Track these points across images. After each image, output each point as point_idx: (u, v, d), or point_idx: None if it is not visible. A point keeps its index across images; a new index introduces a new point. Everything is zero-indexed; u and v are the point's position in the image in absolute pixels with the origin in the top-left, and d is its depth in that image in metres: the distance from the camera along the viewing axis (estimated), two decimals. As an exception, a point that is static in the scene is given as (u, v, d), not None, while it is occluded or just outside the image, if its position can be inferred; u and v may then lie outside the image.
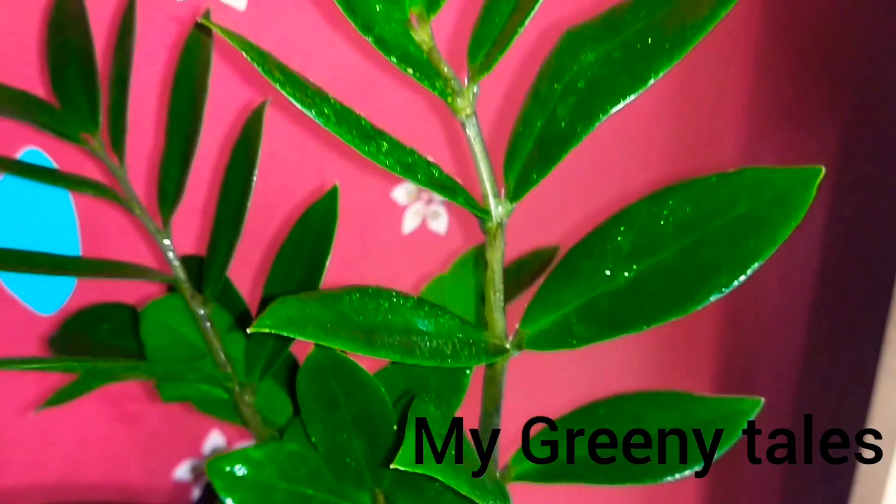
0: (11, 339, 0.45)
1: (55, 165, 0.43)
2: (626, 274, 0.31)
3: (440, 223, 0.58)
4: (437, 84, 0.30)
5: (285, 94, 0.26)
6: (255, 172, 0.36)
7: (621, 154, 0.68)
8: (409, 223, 0.59)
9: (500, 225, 0.32)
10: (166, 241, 0.38)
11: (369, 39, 0.29)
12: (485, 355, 0.31)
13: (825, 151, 0.99)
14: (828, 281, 1.07)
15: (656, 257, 0.31)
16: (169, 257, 0.39)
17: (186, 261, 0.40)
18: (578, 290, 0.32)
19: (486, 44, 0.31)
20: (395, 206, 0.56)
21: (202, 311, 0.39)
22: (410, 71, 0.28)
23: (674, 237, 0.31)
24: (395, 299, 0.30)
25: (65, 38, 0.39)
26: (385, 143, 0.28)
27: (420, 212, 0.57)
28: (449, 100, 0.30)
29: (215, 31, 0.28)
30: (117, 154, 0.38)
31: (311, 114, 0.27)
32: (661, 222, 0.31)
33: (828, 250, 1.07)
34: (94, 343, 0.42)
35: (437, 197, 0.57)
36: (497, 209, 0.32)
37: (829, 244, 1.06)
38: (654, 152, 0.70)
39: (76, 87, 0.39)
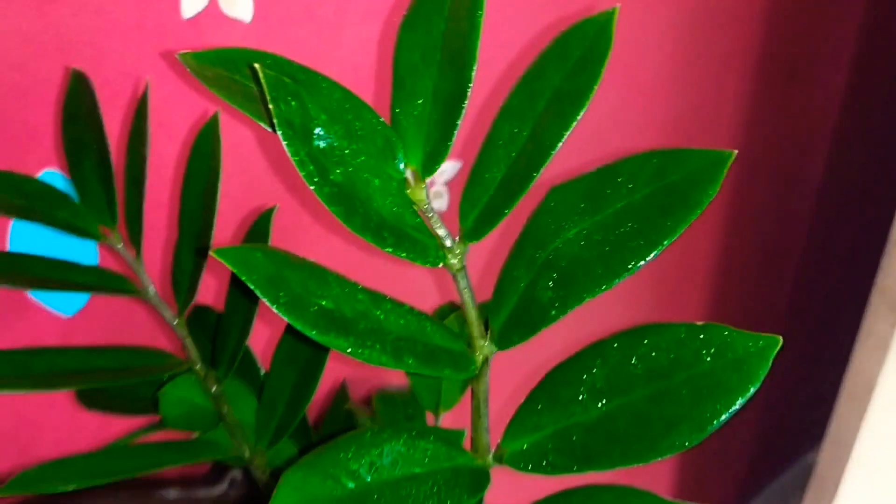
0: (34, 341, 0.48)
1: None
2: (599, 407, 0.35)
3: (441, 202, 0.61)
4: (429, 257, 0.32)
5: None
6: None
7: (627, 114, 0.69)
8: None
9: (485, 362, 0.35)
10: (182, 330, 0.42)
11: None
12: (468, 477, 0.35)
13: (827, 105, 1.00)
14: (821, 226, 1.10)
15: (626, 398, 0.34)
16: (185, 343, 0.42)
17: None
18: (554, 416, 0.36)
19: (477, 206, 0.33)
20: None
21: (214, 389, 0.43)
22: (404, 254, 0.31)
23: (643, 381, 0.34)
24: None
25: (80, 130, 0.41)
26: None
27: None
28: (441, 264, 0.33)
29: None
30: (135, 247, 0.41)
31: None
32: (633, 363, 0.34)
33: (824, 198, 1.09)
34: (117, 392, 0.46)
35: (440, 179, 0.59)
36: (483, 349, 0.35)
37: (825, 192, 1.08)
38: (659, 111, 0.72)
39: (93, 182, 0.41)
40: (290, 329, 0.42)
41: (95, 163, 0.41)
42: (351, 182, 0.31)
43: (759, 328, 0.31)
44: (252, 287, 0.27)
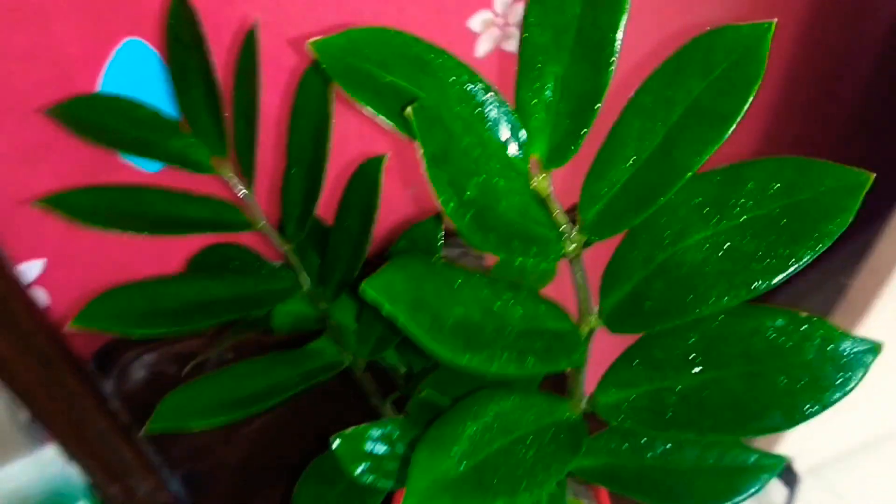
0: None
1: (158, 55, 0.45)
2: (693, 374, 0.37)
3: (513, 44, 0.59)
4: (550, 254, 0.33)
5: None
6: (374, 214, 0.40)
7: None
8: (483, 47, 0.60)
9: (590, 334, 0.37)
10: (293, 257, 0.44)
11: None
12: (567, 433, 0.38)
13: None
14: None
15: (721, 372, 0.36)
16: (295, 267, 0.44)
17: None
18: (648, 375, 0.38)
19: (599, 202, 0.33)
20: (470, 33, 0.56)
21: (322, 306, 0.45)
22: (531, 260, 0.32)
23: (739, 359, 0.36)
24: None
25: (185, 55, 0.41)
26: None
27: (494, 37, 0.58)
28: (560, 247, 0.34)
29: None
30: (246, 178, 0.42)
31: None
32: (730, 341, 0.36)
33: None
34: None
35: (512, 20, 0.57)
36: (591, 323, 0.36)
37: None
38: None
39: (202, 112, 0.41)
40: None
41: (203, 92, 0.41)
42: (483, 192, 0.31)
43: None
44: (398, 320, 0.28)
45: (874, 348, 0.33)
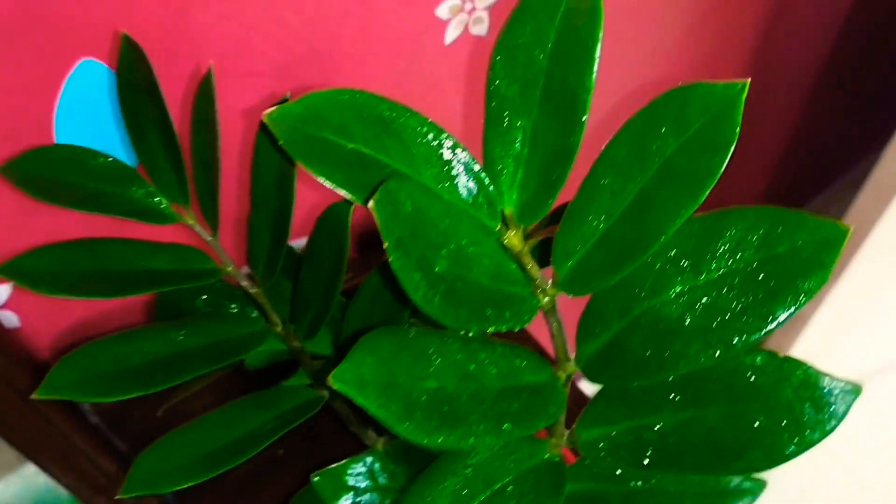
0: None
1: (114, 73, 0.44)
2: (673, 412, 0.36)
3: (482, 27, 0.58)
4: (524, 315, 0.32)
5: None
6: (344, 260, 0.39)
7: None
8: (451, 34, 0.60)
9: (569, 378, 0.36)
10: (263, 299, 0.43)
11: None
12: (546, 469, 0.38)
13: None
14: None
15: (701, 411, 0.36)
16: (266, 309, 0.43)
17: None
18: (628, 412, 0.38)
19: (573, 256, 0.32)
20: (439, 21, 0.56)
21: (295, 344, 0.44)
22: (504, 327, 0.31)
23: (719, 398, 0.35)
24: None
25: (139, 101, 0.39)
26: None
27: (463, 21, 0.57)
28: (535, 303, 0.33)
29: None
30: (210, 225, 0.41)
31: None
32: (709, 382, 0.36)
33: None
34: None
35: (480, 4, 0.56)
36: (569, 369, 0.36)
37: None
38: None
39: (160, 158, 0.40)
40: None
41: (160, 138, 0.39)
42: (454, 262, 0.30)
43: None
44: (369, 410, 0.28)
45: (854, 389, 0.33)
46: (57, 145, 0.40)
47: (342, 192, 0.30)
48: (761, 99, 0.95)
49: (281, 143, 0.30)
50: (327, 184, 0.30)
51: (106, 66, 0.41)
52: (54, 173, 0.39)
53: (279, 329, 0.44)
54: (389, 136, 0.31)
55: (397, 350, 0.30)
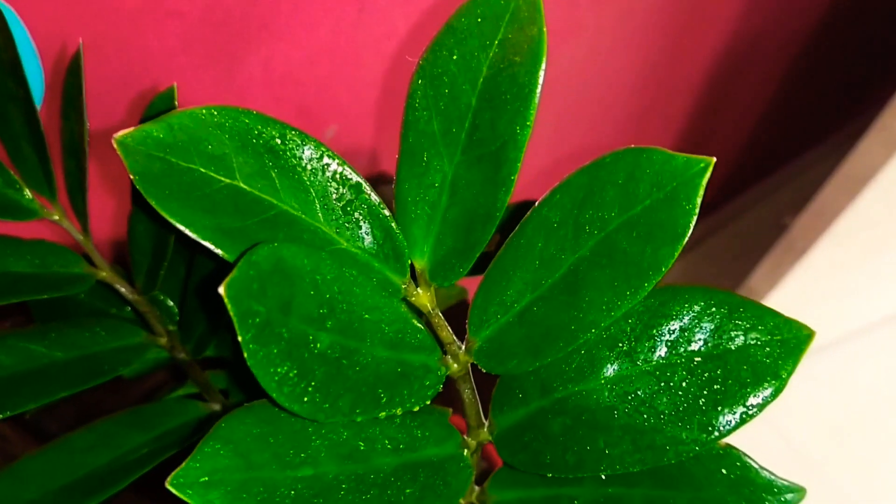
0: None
1: (13, 11, 0.37)
2: (598, 490, 0.32)
3: None
4: (429, 390, 0.27)
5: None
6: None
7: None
8: None
9: (479, 446, 0.32)
10: (144, 306, 0.37)
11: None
12: None
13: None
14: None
15: (628, 490, 0.32)
16: (148, 318, 0.38)
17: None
18: (547, 480, 0.33)
19: (490, 327, 0.27)
20: None
21: (182, 356, 0.39)
22: (399, 409, 0.26)
23: (647, 480, 0.31)
24: None
25: (0, 78, 0.32)
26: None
27: None
28: (442, 373, 0.28)
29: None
30: (80, 222, 0.35)
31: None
32: (636, 457, 0.31)
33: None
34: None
35: None
36: (480, 437, 0.31)
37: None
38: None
39: (25, 145, 0.33)
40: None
41: (24, 120, 0.33)
42: (342, 335, 0.25)
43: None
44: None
45: (798, 491, 0.29)
46: None
47: (207, 244, 0.24)
48: (756, 43, 0.89)
49: (134, 177, 0.24)
50: (188, 231, 0.24)
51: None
52: None
53: (163, 341, 0.38)
54: (279, 171, 0.25)
55: (264, 433, 0.24)
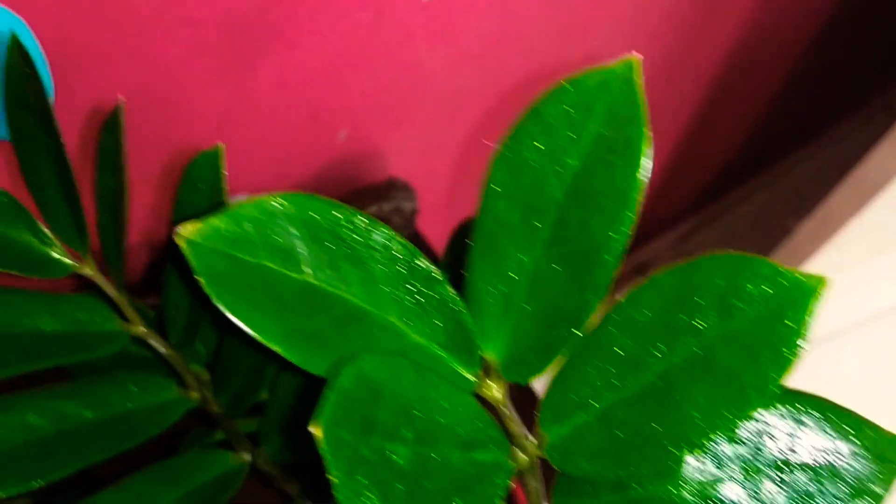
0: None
1: (24, 22, 0.36)
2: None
3: None
4: (499, 486, 0.26)
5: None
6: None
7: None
8: None
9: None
10: (180, 363, 0.35)
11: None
12: None
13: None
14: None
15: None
16: (183, 374, 0.36)
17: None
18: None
19: (565, 426, 0.26)
20: None
21: (215, 409, 0.37)
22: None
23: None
24: None
25: (30, 120, 0.30)
26: None
27: None
28: (515, 466, 0.27)
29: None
30: (115, 279, 0.33)
31: None
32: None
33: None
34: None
35: None
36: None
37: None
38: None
39: (52, 192, 0.31)
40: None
41: (54, 170, 0.31)
42: (420, 443, 0.23)
43: None
44: None
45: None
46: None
47: (277, 349, 0.22)
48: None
49: (202, 279, 0.22)
50: (259, 337, 0.22)
51: (11, 11, 0.33)
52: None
53: (195, 395, 0.37)
54: (348, 261, 0.24)
55: None
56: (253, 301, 0.22)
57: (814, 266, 0.96)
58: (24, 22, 0.38)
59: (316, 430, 0.19)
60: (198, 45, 0.45)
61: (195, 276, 0.22)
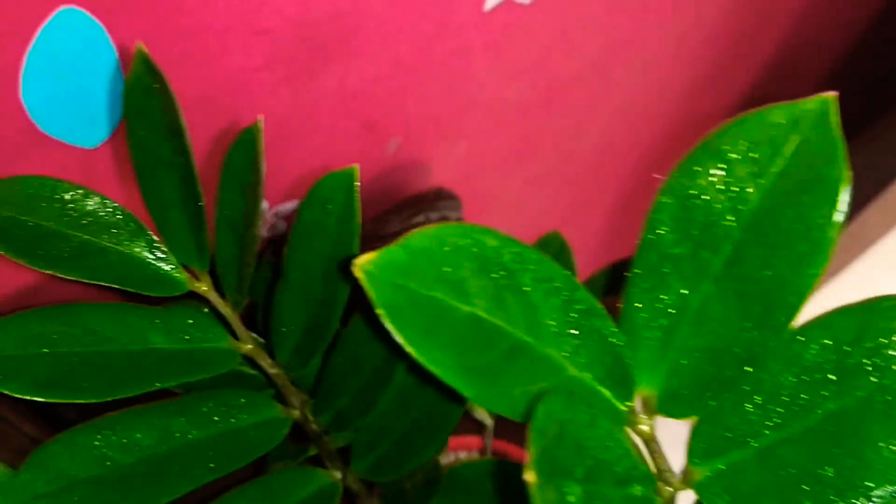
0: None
1: (102, 27, 0.35)
2: None
3: None
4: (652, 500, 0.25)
5: None
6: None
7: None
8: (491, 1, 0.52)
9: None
10: (283, 380, 0.35)
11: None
12: None
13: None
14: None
15: None
16: (286, 392, 0.35)
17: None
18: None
19: (720, 456, 0.25)
20: None
21: (313, 428, 0.37)
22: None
23: None
24: None
25: (153, 136, 0.30)
26: None
27: None
28: (661, 500, 0.26)
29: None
30: (232, 298, 0.32)
31: None
32: None
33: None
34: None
35: None
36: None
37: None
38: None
39: (173, 209, 0.31)
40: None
41: (179, 188, 0.30)
42: (588, 480, 0.23)
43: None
44: None
45: None
46: (27, 177, 0.31)
47: (455, 384, 0.22)
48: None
49: (382, 311, 0.21)
50: (437, 372, 0.22)
51: (90, 15, 0.32)
52: (23, 212, 0.30)
53: (297, 414, 0.36)
54: (512, 293, 0.23)
55: None
56: (431, 336, 0.22)
57: (844, 283, 0.95)
58: (104, 28, 0.37)
59: (530, 479, 0.18)
60: (269, 55, 0.44)
61: (375, 309, 0.21)
